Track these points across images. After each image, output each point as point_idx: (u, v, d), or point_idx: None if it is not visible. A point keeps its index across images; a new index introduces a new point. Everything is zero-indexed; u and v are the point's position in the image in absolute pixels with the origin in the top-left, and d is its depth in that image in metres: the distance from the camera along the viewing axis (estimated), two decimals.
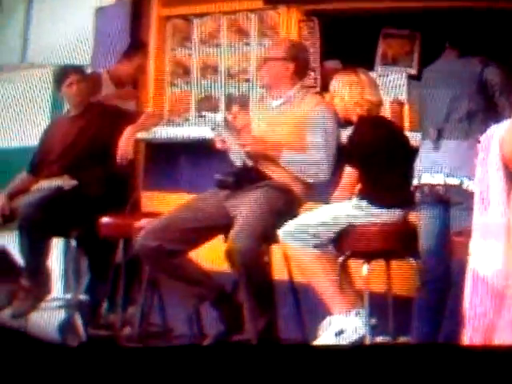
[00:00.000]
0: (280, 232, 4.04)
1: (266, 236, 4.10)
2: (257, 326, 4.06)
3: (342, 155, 4.14)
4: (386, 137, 4.07)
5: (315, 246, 3.97)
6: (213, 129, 4.31)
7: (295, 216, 4.12)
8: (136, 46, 5.26)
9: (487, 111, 3.90)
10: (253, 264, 4.05)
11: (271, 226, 4.08)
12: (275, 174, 4.23)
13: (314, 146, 4.18)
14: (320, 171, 4.16)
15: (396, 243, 3.96)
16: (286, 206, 4.17)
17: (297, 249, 3.98)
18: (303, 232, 3.98)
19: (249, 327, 4.09)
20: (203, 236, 4.23)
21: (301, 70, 4.34)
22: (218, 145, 4.32)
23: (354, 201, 4.02)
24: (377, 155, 4.01)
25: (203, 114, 4.61)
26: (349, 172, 4.05)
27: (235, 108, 4.58)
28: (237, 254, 4.03)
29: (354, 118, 4.13)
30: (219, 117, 4.41)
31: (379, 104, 4.15)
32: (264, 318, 4.07)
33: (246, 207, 4.14)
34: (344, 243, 3.98)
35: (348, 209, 4.01)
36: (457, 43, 4.04)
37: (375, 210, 3.99)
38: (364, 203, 4.00)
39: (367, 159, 4.01)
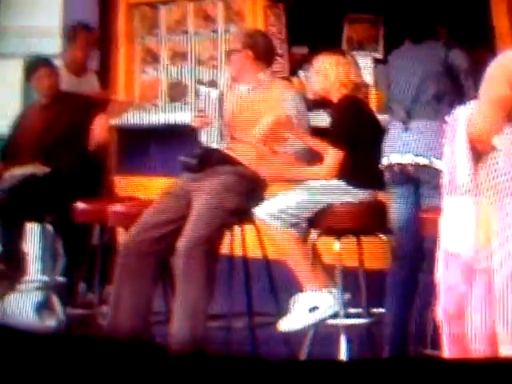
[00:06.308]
0: (258, 211, 3.96)
1: (224, 224, 3.99)
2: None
3: (325, 137, 4.04)
4: (365, 118, 4.02)
5: (292, 225, 3.90)
6: (200, 108, 4.17)
7: (261, 198, 4.04)
8: (76, 26, 5.09)
9: (454, 93, 3.87)
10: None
11: (233, 211, 3.99)
12: (245, 157, 4.13)
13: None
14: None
15: (369, 220, 3.93)
16: (249, 189, 4.07)
17: (274, 228, 3.90)
18: (283, 212, 3.90)
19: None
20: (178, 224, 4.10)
21: (262, 55, 4.20)
22: (196, 123, 4.20)
23: (334, 182, 3.96)
24: (360, 137, 3.95)
25: (199, 88, 4.48)
26: (333, 154, 3.95)
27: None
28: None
29: (335, 98, 4.03)
30: (214, 92, 4.27)
31: (361, 85, 4.08)
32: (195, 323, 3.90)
33: (204, 195, 4.02)
34: (320, 221, 3.93)
35: (327, 189, 3.94)
36: (419, 28, 4.00)
37: (353, 191, 3.94)
38: (343, 184, 3.95)
39: (352, 141, 3.94)
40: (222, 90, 4.45)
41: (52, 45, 5.27)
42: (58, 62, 5.01)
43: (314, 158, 4.03)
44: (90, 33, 5.08)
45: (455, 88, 3.88)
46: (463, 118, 3.15)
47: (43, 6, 5.36)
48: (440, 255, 3.17)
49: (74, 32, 5.06)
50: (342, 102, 3.99)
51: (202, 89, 4.39)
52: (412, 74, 3.90)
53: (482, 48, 4.04)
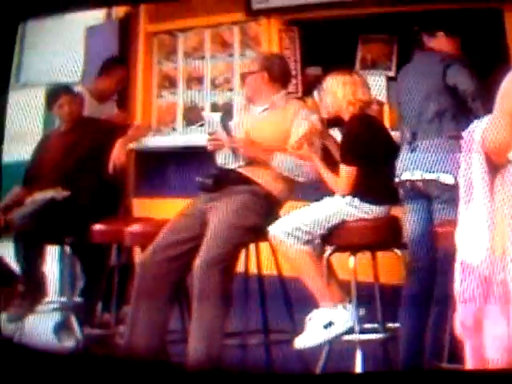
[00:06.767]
0: (272, 229, 3.94)
1: (240, 243, 3.97)
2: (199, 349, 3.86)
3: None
4: (377, 135, 4.01)
5: (306, 242, 3.87)
6: (209, 132, 4.17)
7: (276, 216, 4.01)
8: (115, 60, 5.16)
9: (456, 108, 3.85)
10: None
11: (249, 230, 3.97)
12: (260, 176, 4.09)
13: None
14: (310, 170, 4.06)
15: (384, 236, 3.89)
16: (265, 208, 4.06)
17: (288, 245, 3.88)
18: (297, 229, 3.88)
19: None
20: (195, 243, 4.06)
21: (278, 77, 4.22)
22: (210, 146, 4.18)
23: (348, 199, 3.94)
24: (371, 154, 3.94)
25: (202, 114, 4.49)
26: (345, 170, 3.93)
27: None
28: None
29: (346, 117, 4.03)
30: (217, 116, 4.28)
31: (370, 103, 4.07)
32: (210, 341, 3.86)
33: (220, 214, 4.00)
34: (334, 238, 3.90)
35: (341, 206, 3.93)
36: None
37: (367, 207, 3.92)
38: (357, 201, 3.92)
39: (363, 158, 3.93)
40: (225, 111, 4.43)
41: (73, 73, 5.29)
42: (78, 88, 5.02)
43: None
44: (124, 69, 5.12)
45: (457, 104, 3.84)
46: (479, 131, 3.11)
47: (66, 37, 5.39)
48: (457, 267, 3.11)
49: (111, 66, 5.09)
50: (351, 120, 4.00)
51: (205, 114, 4.39)
52: (415, 92, 3.90)
53: (495, 64, 3.97)
